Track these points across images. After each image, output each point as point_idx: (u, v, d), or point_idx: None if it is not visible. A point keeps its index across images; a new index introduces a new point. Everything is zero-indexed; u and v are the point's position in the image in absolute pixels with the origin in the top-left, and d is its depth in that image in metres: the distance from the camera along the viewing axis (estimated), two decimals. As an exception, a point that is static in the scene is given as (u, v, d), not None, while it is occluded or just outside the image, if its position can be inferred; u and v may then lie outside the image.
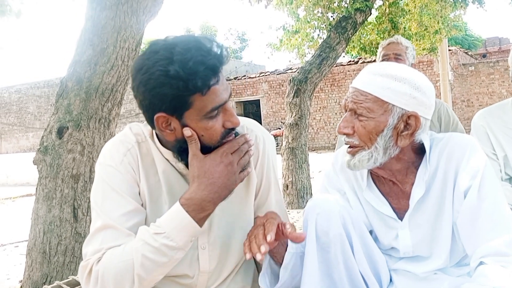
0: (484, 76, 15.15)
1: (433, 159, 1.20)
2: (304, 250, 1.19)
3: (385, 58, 2.52)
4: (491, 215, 1.11)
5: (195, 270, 1.22)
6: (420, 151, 1.22)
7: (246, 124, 1.29)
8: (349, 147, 1.21)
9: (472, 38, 26.05)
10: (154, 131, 1.20)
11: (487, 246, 1.09)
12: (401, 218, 1.24)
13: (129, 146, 1.19)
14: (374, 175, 1.27)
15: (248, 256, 1.05)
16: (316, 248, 1.17)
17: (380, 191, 1.27)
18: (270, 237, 1.03)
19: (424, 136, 1.19)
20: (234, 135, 1.13)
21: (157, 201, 1.19)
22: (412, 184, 1.22)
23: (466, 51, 17.96)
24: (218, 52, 1.05)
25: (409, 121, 1.15)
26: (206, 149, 1.10)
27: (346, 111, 1.21)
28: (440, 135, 1.24)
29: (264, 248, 1.02)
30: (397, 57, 2.49)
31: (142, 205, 1.17)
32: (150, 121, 1.10)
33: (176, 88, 1.02)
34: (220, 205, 1.17)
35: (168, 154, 1.19)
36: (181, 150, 1.12)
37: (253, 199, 1.29)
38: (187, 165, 1.14)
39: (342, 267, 1.17)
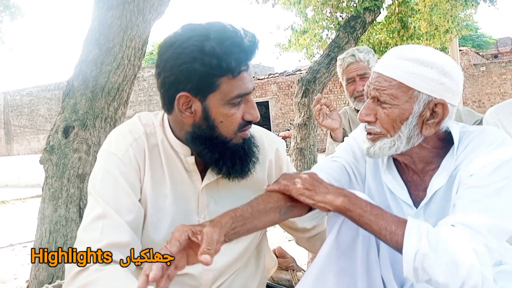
0: (496, 76, 14.97)
1: (459, 152, 1.11)
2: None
3: (350, 81, 2.21)
4: (489, 197, 0.99)
5: (198, 269, 1.19)
6: (445, 140, 1.14)
7: (264, 135, 1.28)
8: (369, 133, 1.14)
9: (484, 38, 25.82)
10: (166, 119, 1.16)
11: (467, 216, 0.97)
12: (416, 207, 1.18)
13: (136, 136, 1.15)
14: (395, 160, 1.22)
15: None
16: (335, 246, 1.08)
17: (400, 177, 1.21)
18: (154, 274, 0.81)
19: (450, 123, 1.12)
20: (249, 132, 1.12)
21: (160, 195, 1.16)
22: (433, 175, 1.15)
23: (477, 51, 17.79)
24: (253, 40, 1.04)
25: (435, 109, 1.08)
26: (220, 140, 1.08)
27: (367, 97, 1.15)
28: (472, 128, 1.15)
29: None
30: (362, 77, 2.17)
31: (140, 200, 1.14)
32: (170, 102, 1.07)
33: (208, 66, 1.00)
34: (233, 204, 1.15)
35: (179, 146, 1.15)
36: (194, 137, 1.09)
37: None
38: (198, 153, 1.12)
39: (363, 267, 1.08)
